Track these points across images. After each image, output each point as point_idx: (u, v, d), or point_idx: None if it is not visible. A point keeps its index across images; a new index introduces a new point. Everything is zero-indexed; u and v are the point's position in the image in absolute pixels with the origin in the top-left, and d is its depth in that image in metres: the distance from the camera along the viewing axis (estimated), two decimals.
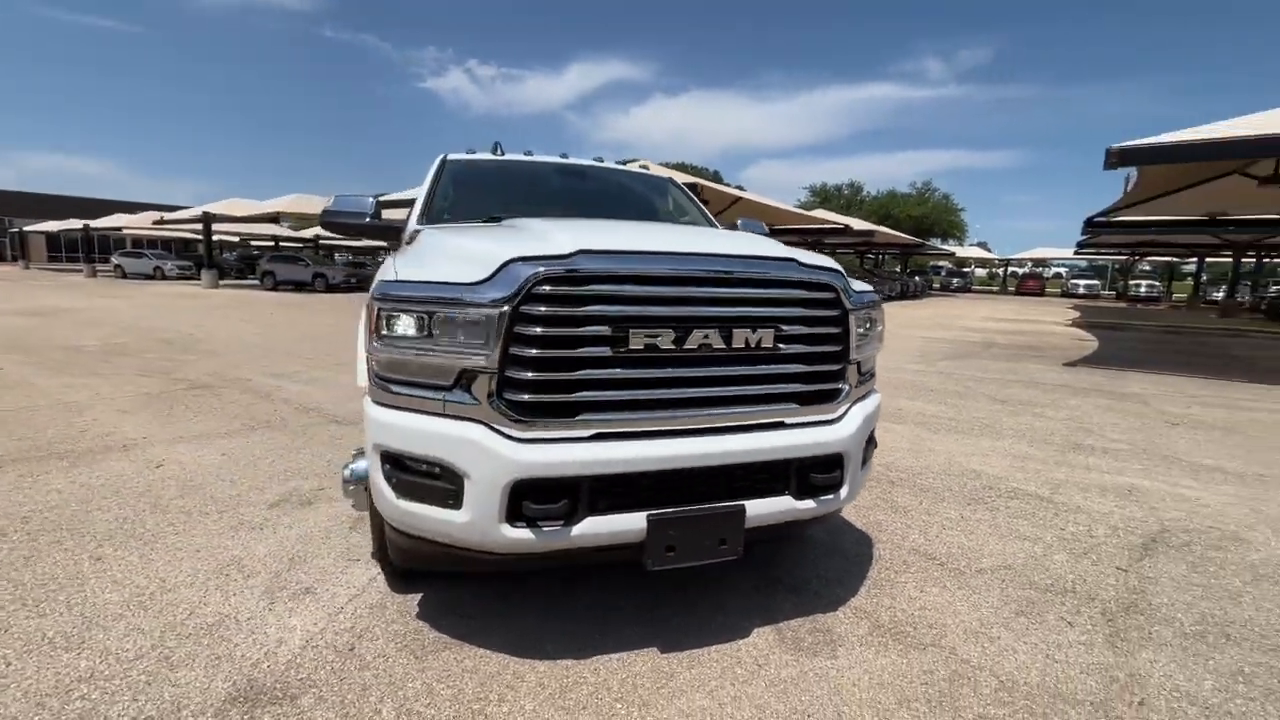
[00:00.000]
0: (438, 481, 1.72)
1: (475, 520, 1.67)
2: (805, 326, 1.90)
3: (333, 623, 2.03)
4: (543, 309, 1.65)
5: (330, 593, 2.20)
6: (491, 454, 1.64)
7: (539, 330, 1.65)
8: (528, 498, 1.67)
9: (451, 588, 2.25)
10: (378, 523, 2.11)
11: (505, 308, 1.63)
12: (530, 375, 1.66)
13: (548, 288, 1.65)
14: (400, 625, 2.03)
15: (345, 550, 2.52)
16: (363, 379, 2.01)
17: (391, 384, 1.79)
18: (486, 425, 1.67)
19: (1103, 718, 1.72)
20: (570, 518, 1.70)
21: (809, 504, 1.94)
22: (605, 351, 1.69)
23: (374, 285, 1.81)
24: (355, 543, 2.58)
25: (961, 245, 50.41)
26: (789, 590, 2.35)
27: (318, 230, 32.77)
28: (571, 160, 3.69)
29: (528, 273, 1.64)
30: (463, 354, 1.67)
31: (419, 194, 3.17)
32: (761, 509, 1.86)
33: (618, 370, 1.71)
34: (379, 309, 1.75)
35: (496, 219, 2.60)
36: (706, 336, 1.75)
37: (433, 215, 2.98)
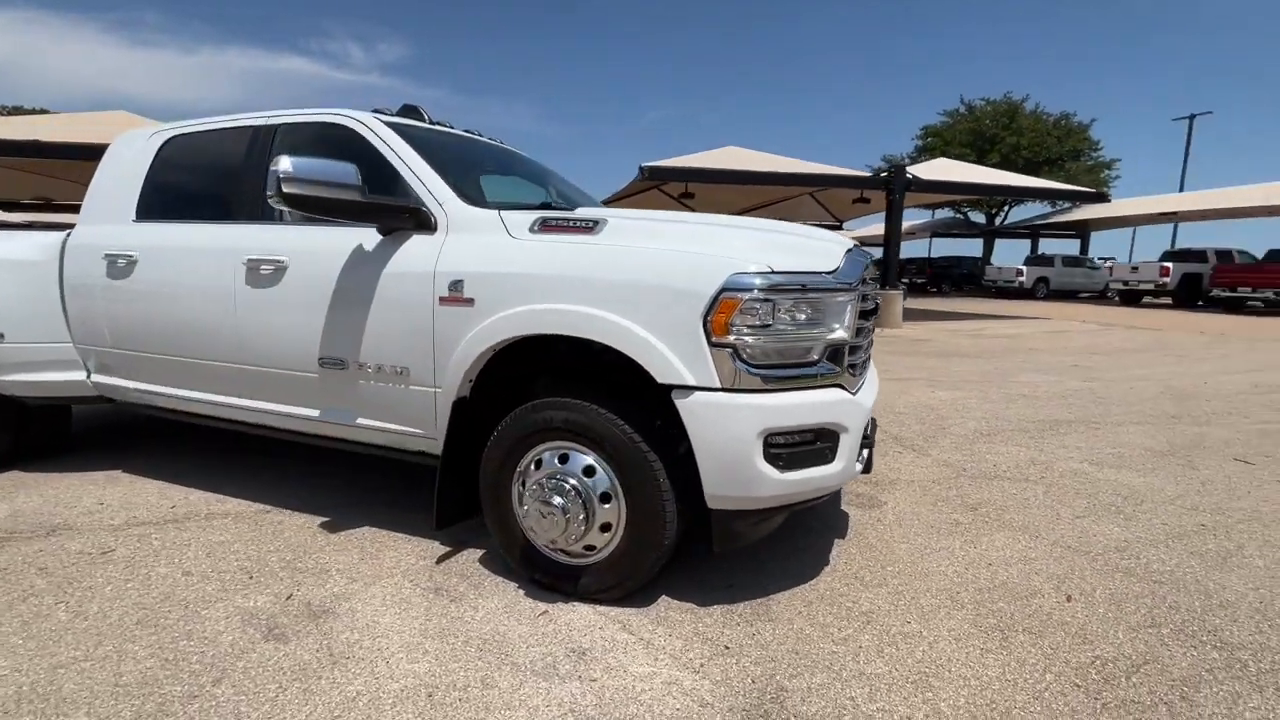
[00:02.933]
0: (816, 444, 1.96)
1: (845, 466, 2.02)
2: None
3: None
4: (863, 290, 2.12)
5: None
6: (856, 406, 2.03)
7: (861, 306, 2.11)
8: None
9: None
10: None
11: (856, 290, 2.03)
12: (855, 342, 2.11)
13: (869, 273, 2.12)
14: None
15: None
16: (669, 374, 1.86)
17: (770, 369, 1.87)
18: (842, 387, 2.03)
19: None
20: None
21: None
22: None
23: (680, 279, 1.84)
24: None
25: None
26: None
27: None
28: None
29: (864, 261, 2.07)
30: (833, 330, 1.96)
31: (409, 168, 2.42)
32: None
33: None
34: (760, 302, 1.81)
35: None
36: None
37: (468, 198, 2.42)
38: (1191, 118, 27.58)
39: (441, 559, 2.44)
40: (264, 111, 2.81)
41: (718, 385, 1.86)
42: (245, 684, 1.70)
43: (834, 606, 2.13)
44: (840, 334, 1.98)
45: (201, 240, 2.72)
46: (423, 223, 2.27)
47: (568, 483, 2.02)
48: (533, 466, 2.12)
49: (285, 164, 2.03)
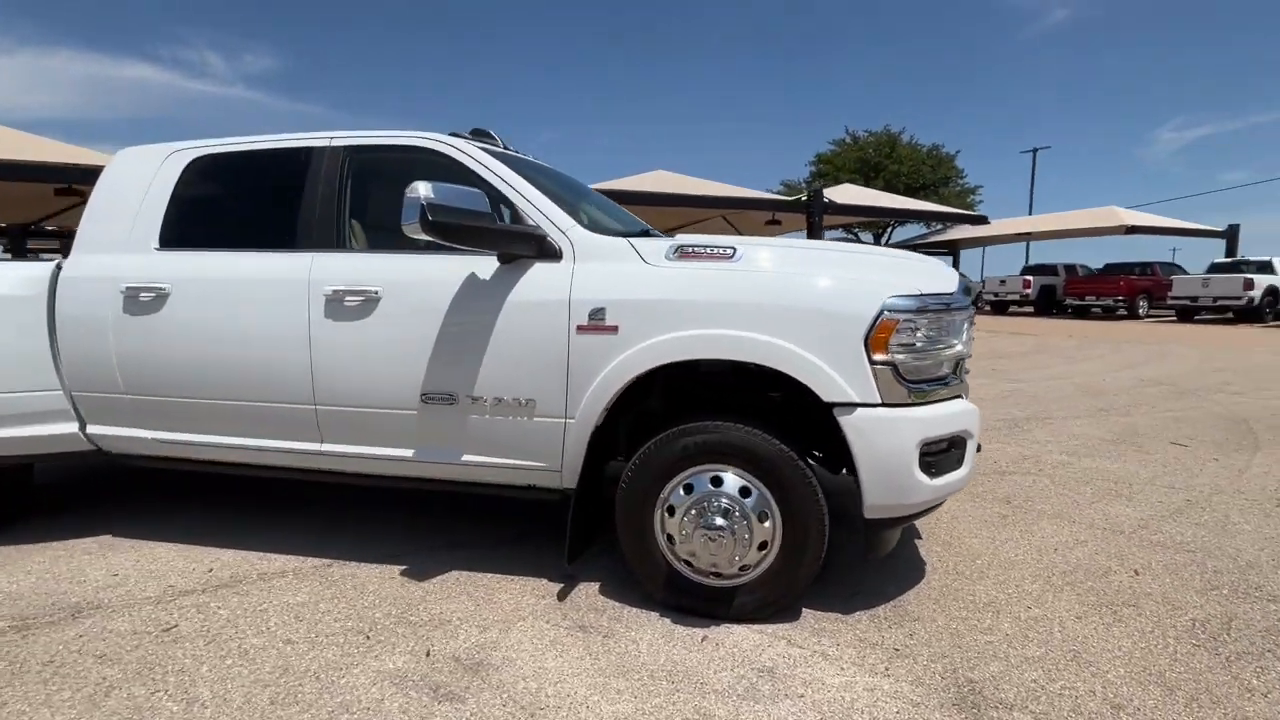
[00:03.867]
0: (951, 451, 2.13)
1: (969, 470, 2.21)
2: None
3: None
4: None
5: None
6: (975, 414, 2.23)
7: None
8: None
9: None
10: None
11: (970, 307, 2.24)
12: (968, 354, 2.32)
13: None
14: None
15: None
16: (834, 392, 1.96)
17: (920, 384, 2.02)
18: (962, 397, 2.22)
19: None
20: None
21: None
22: None
23: (840, 303, 1.99)
24: None
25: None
26: None
27: None
28: None
29: (966, 281, 2.29)
30: (957, 345, 2.15)
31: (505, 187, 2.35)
32: None
33: None
34: (913, 321, 1.97)
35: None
36: None
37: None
38: (1035, 150, 32.10)
39: (561, 596, 2.35)
40: (314, 133, 2.61)
41: (879, 401, 1.98)
42: None
43: (959, 601, 2.30)
44: (960, 348, 2.18)
45: (257, 270, 2.47)
46: (547, 251, 2.22)
47: (726, 504, 2.05)
48: (681, 492, 2.12)
49: (426, 191, 1.93)
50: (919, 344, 2.01)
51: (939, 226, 25.62)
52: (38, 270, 2.71)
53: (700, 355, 2.05)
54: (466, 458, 2.35)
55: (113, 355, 2.59)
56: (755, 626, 2.13)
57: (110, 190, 2.75)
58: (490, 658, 1.97)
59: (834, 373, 1.97)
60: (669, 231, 2.90)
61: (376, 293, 2.31)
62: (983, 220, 20.52)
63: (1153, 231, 20.26)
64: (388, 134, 2.51)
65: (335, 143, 2.53)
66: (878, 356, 1.96)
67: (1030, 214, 29.31)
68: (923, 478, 2.02)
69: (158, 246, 2.61)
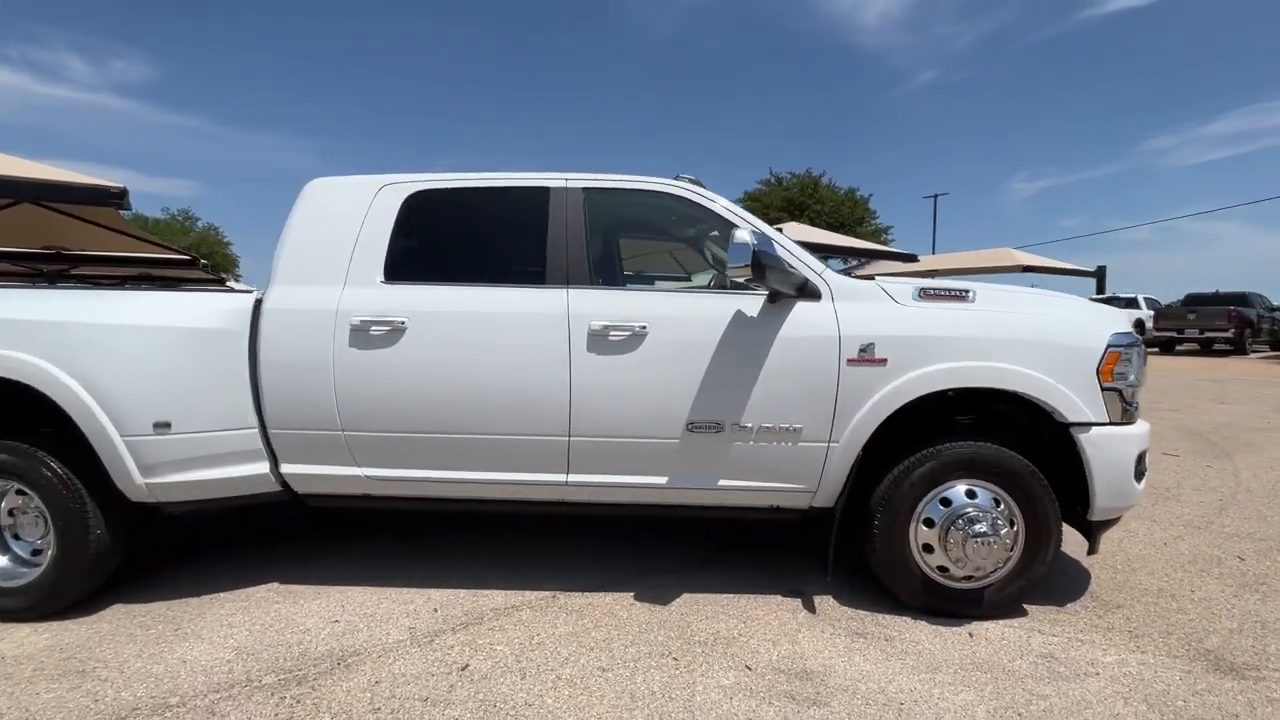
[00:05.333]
0: (1143, 462, 2.55)
1: (1147, 477, 2.65)
2: None
3: None
4: None
5: None
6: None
7: None
8: None
9: None
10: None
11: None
12: None
13: None
14: None
15: None
16: (1075, 413, 2.33)
17: (1130, 405, 2.44)
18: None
19: None
20: None
21: None
22: None
23: (1076, 338, 2.38)
24: None
25: None
26: None
27: None
28: None
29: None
30: (1142, 372, 2.60)
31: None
32: None
33: None
34: (1129, 354, 2.39)
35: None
36: None
37: None
38: (935, 196, 35.71)
39: (809, 608, 2.53)
40: (543, 173, 2.70)
41: (1108, 420, 2.37)
42: None
43: (1136, 590, 2.71)
44: (1142, 376, 2.63)
45: (507, 304, 2.51)
46: (810, 292, 2.45)
47: (982, 514, 2.35)
48: (939, 505, 2.40)
49: (750, 238, 2.13)
50: (1131, 373, 2.43)
51: (855, 262, 27.99)
52: (235, 302, 2.58)
53: (962, 384, 2.35)
54: (724, 483, 2.50)
55: (333, 391, 2.51)
56: (1001, 621, 2.42)
57: (314, 222, 2.68)
58: (808, 666, 2.12)
59: (1075, 397, 2.34)
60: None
61: (644, 327, 2.44)
62: (913, 258, 22.56)
63: (1044, 271, 23.13)
64: (632, 179, 2.66)
65: (572, 183, 2.65)
66: (1105, 383, 2.36)
67: (934, 253, 32.59)
68: (1137, 484, 2.42)
69: (384, 280, 2.58)
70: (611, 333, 2.44)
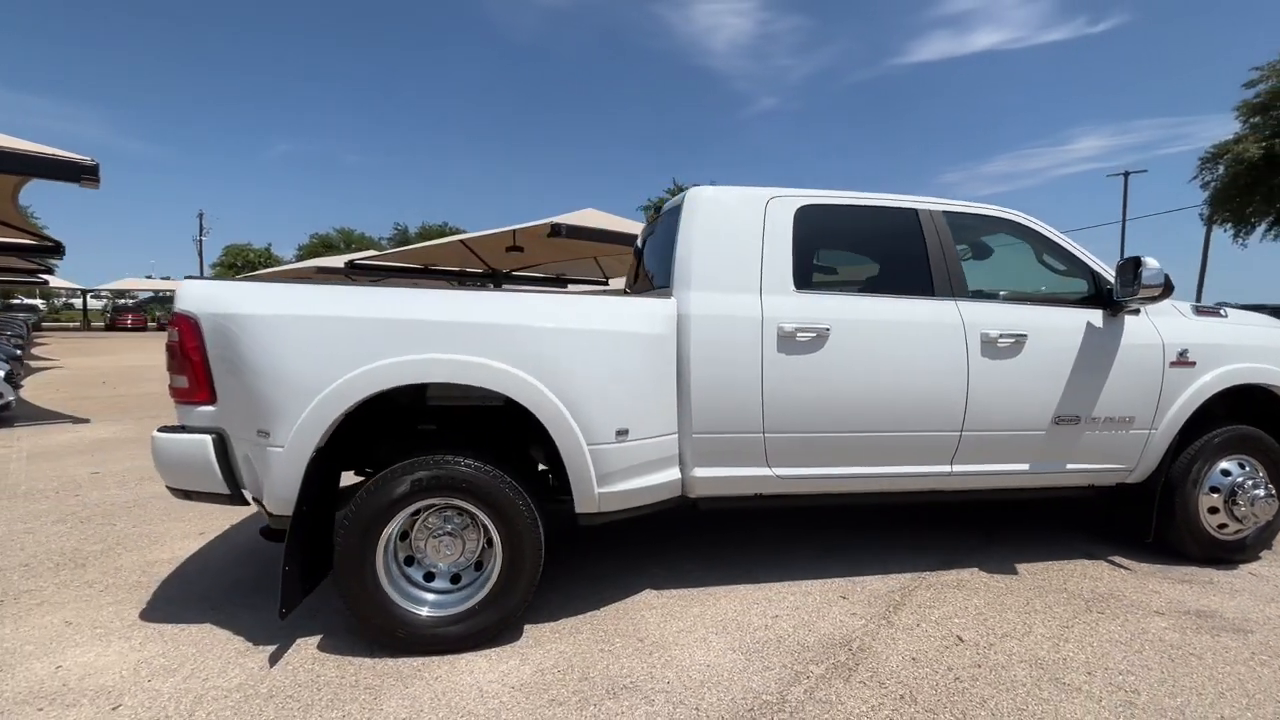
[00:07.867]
0: None
1: None
2: None
3: None
4: None
5: None
6: None
7: None
8: None
9: None
10: None
11: None
12: None
13: None
14: None
15: None
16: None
17: None
18: None
19: None
20: None
21: None
22: None
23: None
24: None
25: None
26: None
27: None
28: None
29: None
30: None
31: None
32: None
33: None
34: None
35: None
36: None
37: None
38: None
39: (1119, 567, 3.09)
40: (906, 196, 2.99)
41: None
42: None
43: None
44: None
45: (909, 314, 2.78)
46: (1127, 309, 3.02)
47: (1252, 482, 3.06)
48: (1219, 474, 3.07)
49: (1156, 264, 2.64)
50: None
51: None
52: (661, 307, 2.57)
53: (1246, 381, 3.04)
54: (1070, 466, 2.97)
55: (759, 394, 2.62)
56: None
57: (714, 231, 2.73)
58: (1199, 607, 2.66)
59: None
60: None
61: (1025, 335, 2.84)
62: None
63: None
64: (977, 206, 3.05)
65: (934, 208, 2.98)
66: None
67: None
68: None
69: (796, 288, 2.72)
70: (999, 340, 2.82)
